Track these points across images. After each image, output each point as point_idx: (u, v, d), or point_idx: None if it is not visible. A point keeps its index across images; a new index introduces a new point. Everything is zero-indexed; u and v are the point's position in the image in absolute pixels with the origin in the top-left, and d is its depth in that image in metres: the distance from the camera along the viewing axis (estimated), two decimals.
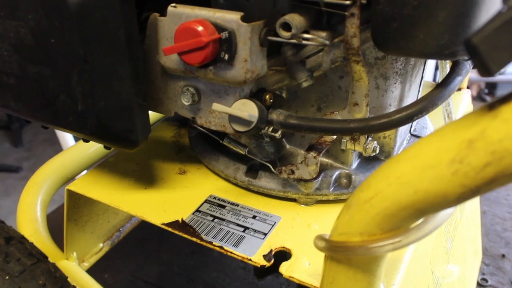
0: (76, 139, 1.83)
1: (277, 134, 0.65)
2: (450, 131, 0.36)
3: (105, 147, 0.73)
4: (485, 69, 0.31)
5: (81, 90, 0.61)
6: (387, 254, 0.45)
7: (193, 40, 0.56)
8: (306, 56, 0.62)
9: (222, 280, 1.33)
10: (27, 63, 0.63)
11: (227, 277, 1.34)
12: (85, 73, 0.59)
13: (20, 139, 2.99)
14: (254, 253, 0.66)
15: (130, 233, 1.15)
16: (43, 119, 0.68)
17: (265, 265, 0.64)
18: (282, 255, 0.66)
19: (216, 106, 0.62)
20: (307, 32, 0.59)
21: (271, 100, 0.66)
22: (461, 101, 1.10)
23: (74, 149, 1.06)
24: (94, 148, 1.06)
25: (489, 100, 0.40)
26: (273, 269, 0.64)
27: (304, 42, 0.58)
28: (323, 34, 0.59)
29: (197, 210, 0.74)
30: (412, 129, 0.88)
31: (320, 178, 0.72)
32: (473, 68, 0.66)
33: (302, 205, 0.75)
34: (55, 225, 1.05)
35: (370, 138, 0.69)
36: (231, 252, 0.66)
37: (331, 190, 0.73)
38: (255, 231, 0.70)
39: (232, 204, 0.76)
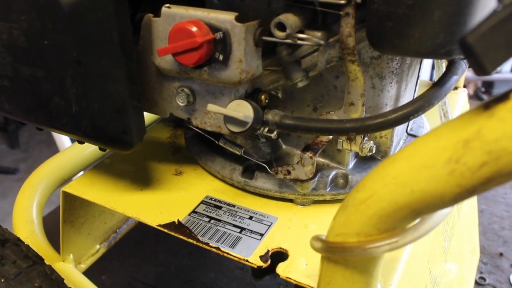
0: (73, 141, 1.82)
1: (273, 135, 0.65)
2: (446, 130, 0.35)
3: (100, 148, 0.73)
4: (480, 68, 0.31)
5: (75, 92, 0.60)
6: (384, 254, 0.45)
7: (188, 41, 0.55)
8: (301, 56, 0.62)
9: (220, 281, 1.33)
10: (21, 65, 0.62)
11: (225, 277, 1.34)
12: (79, 74, 0.59)
13: (17, 141, 2.98)
14: (251, 254, 0.65)
15: (127, 234, 1.15)
16: (37, 121, 0.67)
17: (262, 266, 0.64)
18: (279, 255, 0.66)
19: (211, 107, 0.62)
20: (302, 32, 0.58)
21: (267, 101, 0.65)
22: (458, 100, 1.10)
23: (70, 151, 1.05)
24: (90, 150, 1.05)
25: (485, 99, 0.40)
26: (271, 270, 0.64)
27: (299, 42, 0.58)
28: (318, 34, 0.58)
29: (194, 211, 0.73)
30: (409, 128, 0.87)
31: (316, 178, 0.72)
32: (468, 67, 0.66)
33: (299, 206, 0.75)
34: (52, 227, 1.05)
35: (366, 138, 0.69)
36: (227, 253, 0.66)
37: (327, 190, 0.73)
38: (251, 231, 0.70)
39: (229, 205, 0.75)
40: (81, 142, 0.73)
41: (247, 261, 0.64)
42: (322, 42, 0.58)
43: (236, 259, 0.65)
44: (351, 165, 0.77)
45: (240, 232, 0.69)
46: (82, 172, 1.01)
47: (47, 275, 0.70)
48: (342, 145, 0.70)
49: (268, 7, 0.62)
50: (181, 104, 0.65)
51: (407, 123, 0.86)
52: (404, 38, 0.51)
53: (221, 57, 0.57)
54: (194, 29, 0.55)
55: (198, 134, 0.85)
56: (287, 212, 0.74)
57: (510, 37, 0.30)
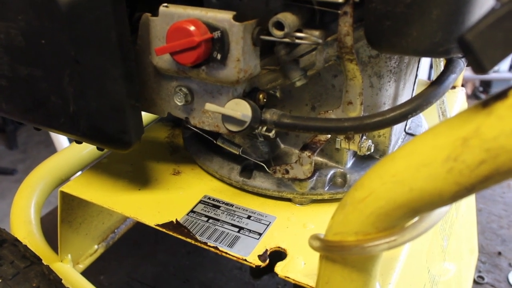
0: (71, 141, 1.82)
1: (271, 134, 0.65)
2: (444, 129, 0.35)
3: (98, 148, 0.73)
4: (479, 66, 0.31)
5: (73, 91, 0.60)
6: (383, 253, 0.45)
7: (185, 40, 0.55)
8: (300, 55, 0.62)
9: (219, 280, 1.33)
10: (18, 64, 0.62)
11: (223, 277, 1.34)
12: (77, 74, 0.59)
13: (15, 141, 2.98)
14: (249, 253, 0.65)
15: (125, 234, 1.15)
16: (35, 121, 0.67)
17: (260, 265, 0.64)
18: (278, 255, 0.66)
19: (209, 106, 0.62)
20: (300, 31, 0.58)
21: (265, 100, 0.65)
22: (456, 99, 1.10)
23: (68, 151, 1.05)
24: (88, 150, 1.05)
25: (483, 98, 0.40)
26: (269, 269, 0.64)
27: (297, 41, 0.58)
28: (316, 33, 0.58)
29: (192, 211, 0.73)
30: (407, 127, 0.87)
31: (315, 178, 0.72)
32: (467, 66, 0.66)
33: (297, 205, 0.75)
34: (50, 227, 1.05)
35: (364, 137, 0.69)
36: (226, 253, 0.66)
37: (326, 189, 0.73)
38: (250, 231, 0.69)
39: (227, 204, 0.75)
40: (79, 142, 0.73)
41: (245, 260, 0.64)
42: (320, 41, 0.58)
43: (234, 258, 0.65)
44: (349, 164, 0.77)
45: (238, 232, 0.69)
46: (80, 172, 1.01)
47: (45, 275, 0.70)
48: (341, 144, 0.70)
49: (266, 6, 0.62)
50: (179, 104, 0.65)
51: (405, 122, 0.86)
52: (402, 36, 0.51)
53: (219, 56, 0.57)
54: (192, 28, 0.55)
55: (196, 134, 0.85)
56: (286, 211, 0.74)
57: (508, 35, 0.30)
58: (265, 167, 0.73)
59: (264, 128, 0.64)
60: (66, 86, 0.60)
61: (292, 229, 0.70)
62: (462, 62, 0.64)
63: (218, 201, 0.76)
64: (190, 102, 0.65)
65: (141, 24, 0.62)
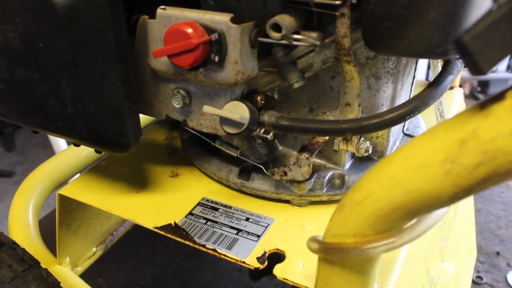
0: (69, 143, 1.82)
1: (269, 136, 0.64)
2: (442, 130, 0.35)
3: (96, 151, 0.73)
4: (476, 68, 0.31)
5: (71, 94, 0.60)
6: (381, 255, 0.45)
7: (183, 42, 0.55)
8: (297, 57, 0.62)
9: (218, 283, 1.32)
10: (16, 67, 0.62)
11: (223, 279, 1.34)
12: (75, 77, 0.59)
13: (13, 144, 2.97)
14: (248, 255, 0.65)
15: (123, 236, 1.15)
16: (32, 124, 0.67)
17: (258, 268, 0.64)
18: (276, 257, 0.66)
19: (207, 109, 0.62)
20: (297, 32, 0.58)
21: (263, 102, 0.65)
22: (454, 100, 1.10)
23: (66, 153, 1.05)
24: (86, 152, 1.05)
25: (481, 98, 0.40)
26: (268, 271, 0.64)
27: (294, 42, 0.58)
28: (314, 34, 0.58)
29: (190, 213, 0.73)
30: (405, 128, 0.87)
31: (313, 179, 0.72)
32: (464, 67, 0.66)
33: (296, 207, 0.75)
34: (48, 230, 1.05)
35: (362, 138, 0.69)
36: (224, 255, 0.66)
37: (324, 191, 0.73)
38: (248, 233, 0.69)
39: (225, 206, 0.75)
40: (76, 145, 0.73)
41: (244, 262, 0.64)
42: (317, 42, 0.58)
43: (233, 260, 0.65)
44: (347, 165, 0.77)
45: (237, 234, 0.69)
46: (78, 175, 1.01)
47: (43, 278, 0.70)
48: (339, 146, 0.70)
49: (264, 8, 0.62)
50: (177, 106, 0.65)
51: (403, 123, 0.86)
52: (399, 38, 0.51)
53: (216, 59, 0.57)
54: (190, 30, 0.55)
55: (194, 136, 0.85)
56: (284, 213, 0.74)
57: (505, 37, 0.30)
58: (263, 169, 0.73)
59: (262, 130, 0.64)
60: (64, 89, 0.60)
61: (290, 231, 0.70)
62: (459, 63, 0.64)
63: (216, 203, 0.76)
64: (188, 104, 0.65)
65: (138, 26, 0.62)
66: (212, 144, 0.78)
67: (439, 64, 0.86)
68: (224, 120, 0.62)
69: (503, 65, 2.91)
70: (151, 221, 0.71)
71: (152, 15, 0.60)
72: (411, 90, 0.81)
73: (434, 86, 0.60)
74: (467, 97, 3.07)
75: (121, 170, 0.86)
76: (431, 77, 0.81)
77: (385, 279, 0.61)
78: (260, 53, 0.61)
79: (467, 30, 0.30)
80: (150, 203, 0.76)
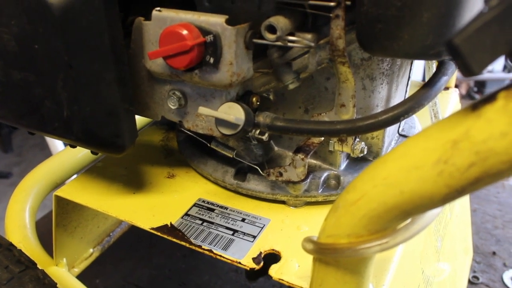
0: (66, 144, 1.82)
1: (264, 137, 0.65)
2: (435, 131, 0.36)
3: (92, 152, 0.73)
4: (467, 69, 0.31)
5: (67, 96, 0.60)
6: (375, 255, 0.45)
7: (178, 44, 0.56)
8: (292, 58, 0.62)
9: (214, 283, 1.33)
10: (12, 69, 0.62)
11: (219, 280, 1.34)
12: (70, 78, 0.59)
13: (10, 145, 2.97)
14: (244, 256, 0.66)
15: (120, 237, 1.15)
16: (29, 125, 0.67)
17: (254, 268, 0.64)
18: (272, 257, 0.66)
19: (203, 110, 0.62)
20: (292, 34, 0.58)
21: (258, 103, 0.65)
22: (449, 100, 1.11)
23: (63, 155, 1.05)
24: (83, 153, 1.05)
25: (478, 98, 0.40)
26: (265, 272, 0.64)
27: (289, 44, 0.58)
28: (309, 36, 0.59)
29: (186, 214, 0.73)
30: (400, 129, 0.88)
31: (308, 180, 0.72)
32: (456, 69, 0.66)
33: (291, 207, 0.75)
34: (45, 231, 1.05)
35: (357, 139, 0.69)
36: (220, 256, 0.66)
37: (319, 191, 0.73)
38: (244, 234, 0.70)
39: (221, 207, 0.75)
40: (73, 146, 0.73)
41: (239, 263, 0.65)
42: (312, 44, 0.58)
43: (228, 261, 0.65)
44: (343, 166, 0.77)
45: (232, 234, 0.70)
46: (75, 176, 1.01)
47: (39, 279, 0.70)
48: (334, 147, 0.70)
49: (259, 9, 0.62)
50: (172, 107, 0.65)
51: (398, 124, 0.86)
52: (393, 39, 0.51)
53: (211, 60, 0.58)
54: (185, 32, 0.55)
55: (190, 137, 0.85)
56: (280, 213, 0.74)
57: (496, 39, 0.30)
58: (259, 170, 0.74)
59: (258, 131, 0.64)
60: (60, 90, 0.60)
61: (286, 232, 0.70)
62: (453, 64, 0.65)
63: (212, 204, 0.76)
64: (184, 105, 0.65)
65: (134, 28, 0.63)
66: (208, 145, 0.78)
67: (433, 65, 0.86)
68: (220, 121, 0.62)
69: (499, 65, 2.92)
70: (147, 222, 0.71)
71: (148, 17, 0.60)
72: (406, 91, 0.81)
73: (428, 87, 0.61)
74: (463, 97, 3.07)
75: (117, 171, 0.86)
76: (426, 78, 0.81)
77: (380, 279, 0.61)
78: (255, 55, 0.62)
79: (458, 32, 0.30)
80: (146, 204, 0.76)
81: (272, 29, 0.57)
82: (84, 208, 0.94)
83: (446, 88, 1.15)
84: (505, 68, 2.96)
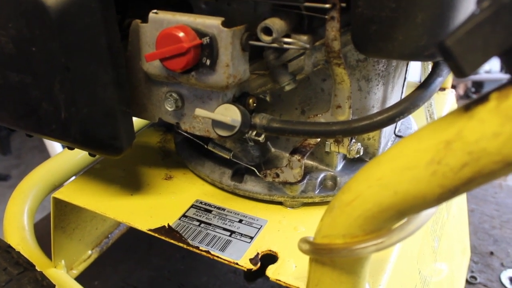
0: (64, 146, 1.82)
1: (261, 138, 0.65)
2: (428, 132, 0.36)
3: (90, 154, 0.73)
4: (459, 71, 0.31)
5: (64, 98, 0.61)
6: (371, 255, 0.46)
7: (175, 46, 0.56)
8: (288, 60, 0.62)
9: (213, 284, 1.33)
10: (9, 71, 0.62)
11: (218, 281, 1.34)
12: (68, 81, 0.59)
13: (9, 147, 2.97)
14: (241, 257, 0.66)
15: (119, 239, 1.15)
16: (26, 127, 0.68)
17: (251, 269, 0.64)
18: (269, 258, 0.66)
19: (199, 112, 0.62)
20: (288, 36, 0.59)
21: (255, 104, 0.66)
22: (445, 101, 1.11)
23: (61, 157, 1.05)
24: (81, 155, 1.05)
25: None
26: (262, 272, 0.64)
27: (285, 46, 0.58)
28: (304, 37, 0.59)
29: (184, 215, 0.74)
30: (397, 129, 0.88)
31: (305, 181, 0.72)
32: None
33: (288, 208, 0.75)
34: (44, 233, 1.05)
35: (353, 140, 0.70)
36: (217, 257, 0.66)
37: (316, 192, 0.73)
38: (241, 235, 0.70)
39: (218, 208, 0.76)
40: (71, 148, 0.73)
41: (237, 264, 0.65)
42: (308, 45, 0.59)
43: (226, 262, 0.65)
44: (339, 167, 0.77)
45: (230, 236, 0.70)
46: (73, 178, 1.01)
47: (38, 281, 0.70)
48: (330, 147, 0.71)
49: (255, 11, 0.62)
50: (169, 109, 0.66)
51: (394, 124, 0.86)
52: (388, 41, 0.51)
53: (208, 62, 0.58)
54: (181, 34, 0.56)
55: (187, 139, 0.85)
56: (277, 214, 0.74)
57: (487, 40, 0.30)
58: (256, 171, 0.74)
59: (254, 133, 0.65)
60: (57, 93, 0.60)
61: (283, 232, 0.70)
62: None
63: (209, 205, 0.76)
64: (181, 107, 0.65)
65: (131, 30, 0.63)
66: (205, 146, 0.79)
67: (429, 66, 0.86)
68: (216, 123, 0.62)
69: (497, 65, 2.92)
70: (145, 223, 0.72)
71: (145, 19, 0.61)
72: (402, 92, 0.82)
73: (423, 88, 0.61)
74: (461, 98, 3.08)
75: (115, 173, 0.86)
76: (421, 79, 0.82)
77: (376, 279, 0.62)
78: (252, 56, 0.62)
79: (450, 34, 0.31)
80: (144, 205, 0.76)
81: (268, 31, 0.57)
82: (83, 210, 0.94)
83: (443, 89, 1.15)
84: (502, 69, 2.97)
